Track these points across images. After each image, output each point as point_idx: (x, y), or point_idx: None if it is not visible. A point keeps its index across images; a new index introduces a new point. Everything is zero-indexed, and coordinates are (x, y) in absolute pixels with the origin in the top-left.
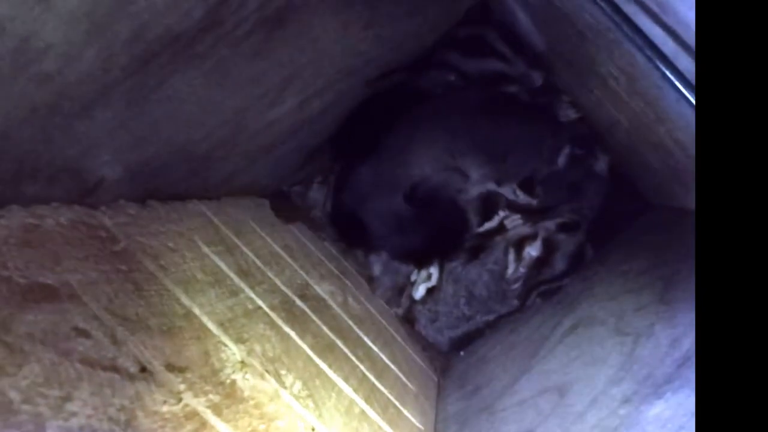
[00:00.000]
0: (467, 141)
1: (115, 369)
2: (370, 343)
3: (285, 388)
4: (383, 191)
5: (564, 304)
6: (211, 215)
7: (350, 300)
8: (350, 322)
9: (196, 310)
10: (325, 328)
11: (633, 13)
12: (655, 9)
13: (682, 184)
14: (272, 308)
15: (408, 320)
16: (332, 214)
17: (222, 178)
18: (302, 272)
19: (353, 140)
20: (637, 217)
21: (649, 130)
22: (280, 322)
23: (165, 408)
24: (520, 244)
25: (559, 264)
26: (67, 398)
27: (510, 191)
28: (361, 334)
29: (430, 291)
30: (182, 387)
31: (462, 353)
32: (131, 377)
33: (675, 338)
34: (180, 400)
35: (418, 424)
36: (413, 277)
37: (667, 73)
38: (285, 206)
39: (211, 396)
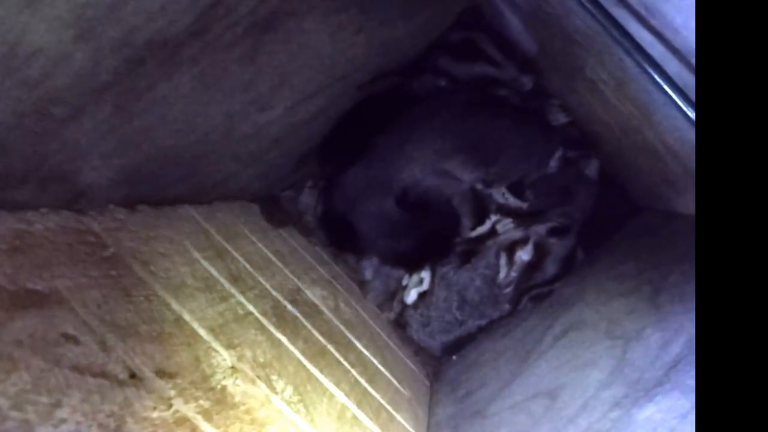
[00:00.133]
0: (458, 143)
1: (104, 375)
2: (361, 348)
3: (276, 393)
4: (374, 195)
5: (555, 308)
6: (202, 220)
7: (342, 305)
8: (342, 327)
9: (186, 316)
10: (316, 333)
11: (622, 17)
12: (644, 13)
13: (671, 187)
14: (263, 313)
15: (400, 325)
16: (323, 219)
17: (212, 183)
18: (293, 277)
19: (343, 144)
20: (628, 220)
21: (639, 133)
22: (271, 327)
23: (155, 414)
24: (511, 249)
25: (551, 268)
26: (57, 405)
27: (499, 194)
28: (353, 339)
29: (421, 295)
30: (172, 393)
31: (454, 358)
32: (121, 383)
33: (665, 341)
34: (170, 406)
35: (410, 429)
36: (405, 282)
37: (656, 76)
38: (276, 211)
39: (201, 402)
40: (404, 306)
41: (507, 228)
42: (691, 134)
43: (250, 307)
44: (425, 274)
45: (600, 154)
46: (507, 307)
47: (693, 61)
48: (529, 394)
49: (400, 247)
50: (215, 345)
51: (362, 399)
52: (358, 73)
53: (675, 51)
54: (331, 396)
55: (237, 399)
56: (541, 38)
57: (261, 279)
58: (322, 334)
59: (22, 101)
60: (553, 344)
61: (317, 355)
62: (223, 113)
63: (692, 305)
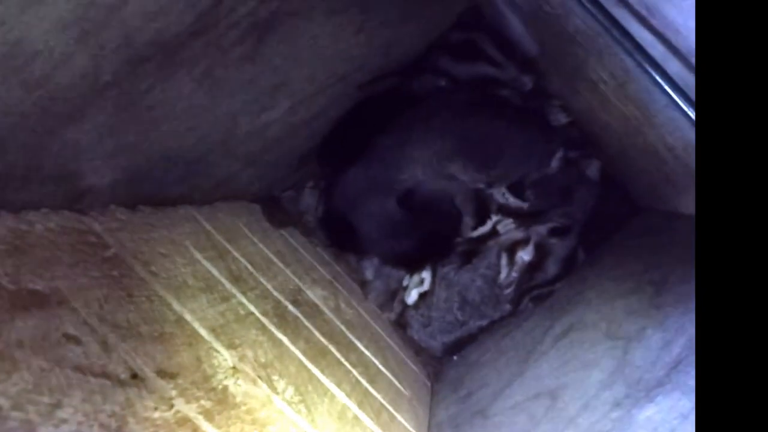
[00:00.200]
0: (458, 143)
1: (105, 375)
2: (362, 348)
3: (277, 393)
4: (375, 195)
5: (556, 309)
6: (203, 220)
7: (343, 305)
8: (343, 327)
9: (188, 316)
10: (317, 334)
11: (622, 17)
12: (644, 13)
13: (672, 187)
14: (264, 314)
15: (400, 325)
16: (323, 219)
17: (213, 183)
18: (294, 277)
19: (344, 144)
20: (628, 221)
21: (640, 133)
22: (272, 327)
23: (156, 414)
24: (512, 249)
25: (552, 268)
26: (58, 405)
27: (500, 194)
28: (354, 339)
29: (422, 296)
30: (174, 393)
31: (455, 358)
32: (122, 384)
33: (666, 342)
34: (171, 406)
35: (411, 429)
36: (405, 282)
37: (656, 76)
38: (277, 211)
39: (202, 402)
40: (405, 306)
41: (508, 228)
42: (691, 134)
43: (252, 308)
44: (426, 275)
45: (601, 155)
46: (508, 307)
47: (694, 61)
48: (529, 394)
49: (400, 247)
50: (216, 345)
51: (363, 399)
52: (358, 73)
53: (676, 51)
54: (333, 396)
55: (238, 399)
56: (542, 38)
57: (262, 279)
58: (323, 334)
59: (23, 101)
60: (553, 344)
61: (318, 355)
62: (224, 113)
63: (693, 306)
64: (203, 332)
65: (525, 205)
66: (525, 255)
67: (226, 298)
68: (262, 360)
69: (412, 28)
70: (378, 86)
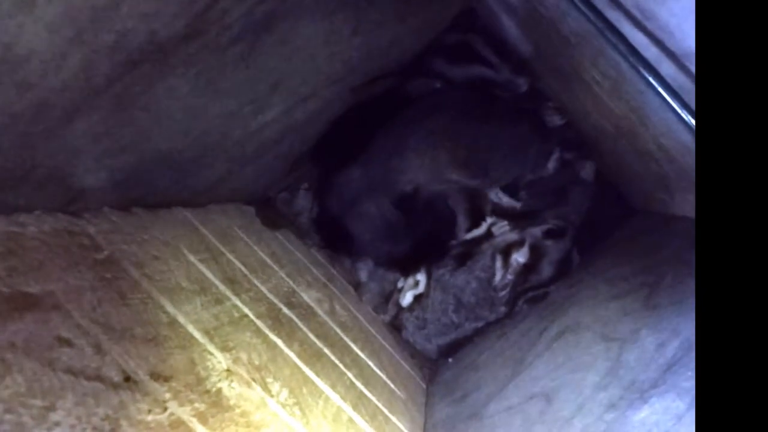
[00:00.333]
0: (453, 145)
1: (99, 378)
2: (357, 351)
3: (272, 396)
4: (369, 197)
5: (551, 311)
6: (197, 223)
7: (337, 307)
8: (337, 330)
9: (181, 319)
10: (312, 336)
11: (616, 19)
12: (638, 15)
13: (666, 189)
14: (258, 316)
15: (395, 327)
16: (318, 221)
17: (207, 186)
18: (289, 280)
19: (338, 147)
20: (623, 222)
21: (634, 135)
22: (266, 330)
23: (150, 417)
24: (507, 251)
25: (546, 270)
26: (51, 408)
27: (493, 194)
28: (349, 342)
29: (417, 298)
30: (167, 396)
31: (450, 360)
32: (115, 386)
33: (660, 343)
34: (165, 409)
35: (406, 431)
36: (400, 284)
37: (650, 78)
38: (271, 213)
39: (196, 405)
40: (400, 308)
41: (503, 230)
42: (685, 136)
43: (246, 310)
44: (421, 277)
45: (595, 156)
46: (503, 309)
47: (687, 63)
48: (525, 396)
49: (395, 249)
50: (210, 348)
51: (358, 401)
52: (353, 76)
53: (669, 53)
54: (327, 398)
55: (232, 402)
56: (537, 40)
57: (256, 281)
58: (317, 336)
59: (17, 103)
60: (548, 346)
61: (313, 357)
62: (219, 116)
63: (687, 307)
64: (197, 335)
65: (518, 205)
66: (520, 257)
67: (220, 300)
68: (257, 362)
69: (407, 30)
70: (373, 88)
